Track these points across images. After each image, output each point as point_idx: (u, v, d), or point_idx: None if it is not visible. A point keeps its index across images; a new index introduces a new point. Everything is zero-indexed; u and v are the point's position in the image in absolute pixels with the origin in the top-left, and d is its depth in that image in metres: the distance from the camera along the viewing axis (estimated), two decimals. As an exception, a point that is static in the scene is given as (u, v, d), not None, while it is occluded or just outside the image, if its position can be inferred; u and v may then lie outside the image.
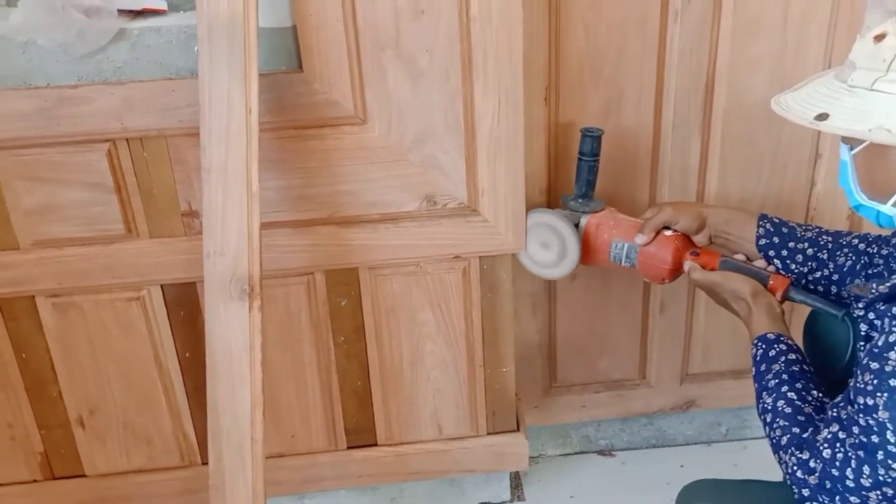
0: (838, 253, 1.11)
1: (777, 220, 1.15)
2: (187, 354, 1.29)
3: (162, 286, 1.24)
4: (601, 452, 1.63)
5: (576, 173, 1.25)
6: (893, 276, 0.94)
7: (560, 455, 1.63)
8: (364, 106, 1.14)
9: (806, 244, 1.12)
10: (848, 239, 1.12)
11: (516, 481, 1.56)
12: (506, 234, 1.24)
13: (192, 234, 1.19)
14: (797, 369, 1.00)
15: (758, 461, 1.59)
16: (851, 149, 0.89)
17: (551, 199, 1.36)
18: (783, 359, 1.01)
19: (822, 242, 1.12)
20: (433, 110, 1.15)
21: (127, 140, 1.13)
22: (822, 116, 0.85)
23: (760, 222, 1.15)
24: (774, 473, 1.54)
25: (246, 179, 1.06)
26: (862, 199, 0.91)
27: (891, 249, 1.05)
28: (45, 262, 1.19)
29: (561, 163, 1.34)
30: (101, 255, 1.19)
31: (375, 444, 1.41)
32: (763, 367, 1.02)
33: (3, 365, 1.26)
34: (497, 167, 1.20)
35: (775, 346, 1.02)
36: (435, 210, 1.22)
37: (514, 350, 1.37)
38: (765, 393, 1.00)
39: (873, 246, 1.10)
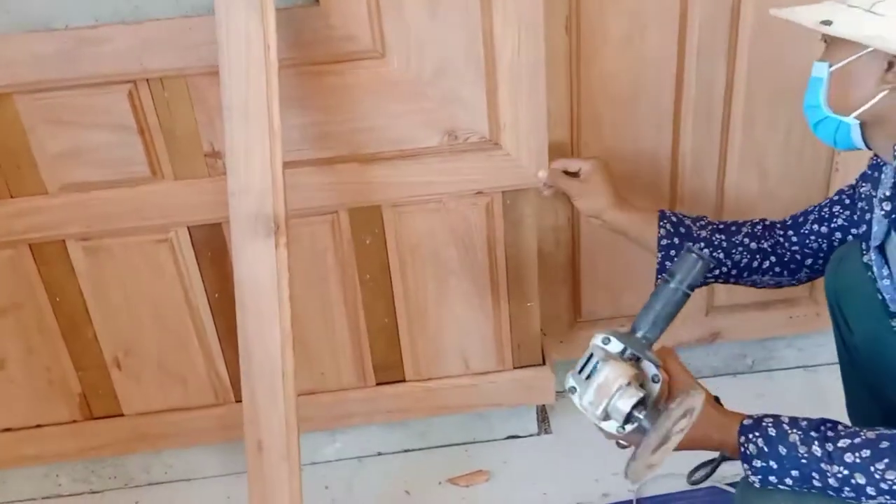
0: (733, 251, 1.16)
1: (675, 219, 1.18)
2: (216, 295, 1.32)
3: (189, 228, 1.25)
4: (627, 386, 1.65)
5: (659, 302, 0.94)
6: None
7: (586, 389, 1.64)
8: (382, 39, 1.13)
9: (702, 245, 1.16)
10: (739, 238, 1.16)
11: (543, 415, 1.58)
12: (528, 167, 1.23)
13: (216, 175, 1.20)
14: (805, 422, 0.90)
15: (783, 392, 1.60)
16: (831, 65, 0.93)
17: (573, 132, 1.35)
18: (785, 426, 0.90)
19: (715, 242, 1.16)
20: (452, 42, 1.13)
21: (147, 81, 1.13)
22: (827, 22, 0.90)
23: (661, 223, 1.17)
24: (801, 404, 1.55)
25: (267, 116, 1.06)
26: (828, 111, 0.95)
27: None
28: (73, 205, 1.20)
29: (584, 94, 1.32)
30: (128, 198, 1.21)
31: (404, 380, 1.43)
32: (786, 452, 0.89)
33: (39, 309, 1.30)
34: (518, 100, 1.18)
35: (763, 424, 0.91)
36: (456, 145, 1.21)
37: (538, 285, 1.38)
38: (827, 470, 0.86)
39: (762, 242, 1.16)
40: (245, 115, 1.07)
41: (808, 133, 1.37)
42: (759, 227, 1.18)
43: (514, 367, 1.44)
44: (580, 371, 0.92)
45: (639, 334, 0.94)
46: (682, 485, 1.41)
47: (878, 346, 1.09)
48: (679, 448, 0.89)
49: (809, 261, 1.18)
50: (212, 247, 1.27)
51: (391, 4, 1.10)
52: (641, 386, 0.89)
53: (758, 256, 1.16)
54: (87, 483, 1.51)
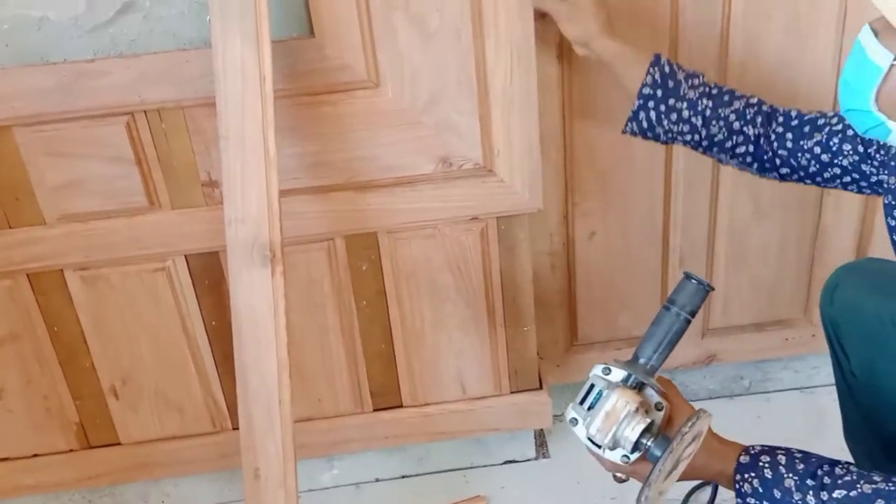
0: (713, 122, 1.07)
1: (667, 70, 1.08)
2: (213, 323, 1.32)
3: (186, 256, 1.26)
4: (624, 409, 1.65)
5: (661, 329, 0.94)
6: None
7: (584, 413, 1.64)
8: (376, 69, 1.14)
9: (684, 104, 1.08)
10: (726, 112, 1.07)
11: (541, 439, 1.58)
12: (522, 192, 1.25)
13: (213, 205, 1.21)
14: (803, 465, 0.88)
15: (781, 414, 1.61)
16: None
17: (566, 158, 1.36)
18: (782, 468, 0.88)
19: (700, 107, 1.08)
20: (446, 70, 1.15)
21: (145, 112, 1.14)
22: None
23: (651, 69, 1.08)
24: (799, 426, 1.56)
25: (263, 146, 1.08)
26: (872, 107, 0.81)
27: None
28: (72, 236, 1.21)
29: (576, 118, 1.34)
30: (126, 228, 1.22)
31: (401, 406, 1.43)
32: (780, 496, 0.87)
33: (36, 338, 1.30)
34: (511, 126, 1.20)
35: (760, 464, 0.90)
36: (451, 172, 1.23)
37: (534, 309, 1.38)
38: None
39: (748, 126, 1.06)
40: (241, 145, 1.09)
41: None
42: (754, 110, 1.07)
43: (511, 392, 1.44)
44: (581, 402, 0.92)
45: (642, 361, 0.94)
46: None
47: (875, 374, 1.09)
48: (681, 477, 0.89)
49: (787, 170, 1.09)
50: (209, 275, 1.28)
51: (385, 35, 1.12)
52: (646, 413, 0.89)
53: (737, 139, 1.07)
54: (84, 513, 1.51)
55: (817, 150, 1.05)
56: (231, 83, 1.07)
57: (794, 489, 0.87)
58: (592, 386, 0.91)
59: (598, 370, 0.92)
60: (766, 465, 0.90)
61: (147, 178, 1.19)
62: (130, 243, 1.23)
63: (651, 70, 1.08)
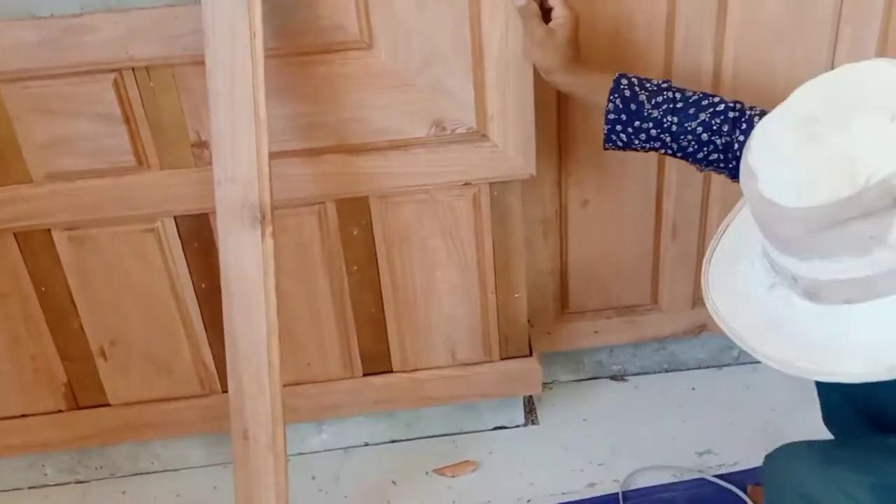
0: (681, 137, 1.09)
1: (628, 94, 1.10)
2: (203, 285, 1.31)
3: (175, 218, 1.25)
4: (614, 377, 1.66)
5: None
6: None
7: (573, 381, 1.65)
8: (370, 29, 1.12)
9: (651, 125, 1.09)
10: (693, 126, 1.08)
11: (530, 406, 1.59)
12: (515, 158, 1.24)
13: (203, 165, 1.20)
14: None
15: (769, 384, 1.61)
16: None
17: (560, 124, 1.35)
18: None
19: (665, 124, 1.09)
20: (440, 32, 1.13)
21: (133, 69, 1.12)
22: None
23: (611, 96, 1.10)
24: (786, 396, 1.57)
25: (253, 106, 1.06)
26: None
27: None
28: (59, 194, 1.20)
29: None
30: (114, 187, 1.20)
31: (391, 371, 1.44)
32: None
33: (24, 299, 1.29)
34: (506, 91, 1.18)
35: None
36: (444, 136, 1.21)
37: (525, 277, 1.38)
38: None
39: (716, 137, 1.07)
40: (231, 104, 1.07)
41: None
42: (720, 119, 1.07)
43: (502, 359, 1.44)
44: None
45: None
46: (667, 477, 1.43)
47: None
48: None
49: None
50: (198, 237, 1.27)
51: (379, -6, 1.10)
52: None
53: (707, 149, 1.08)
54: (73, 473, 1.51)
55: None
56: (221, 40, 1.05)
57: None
58: None
59: None
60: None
61: (135, 138, 1.17)
62: (118, 203, 1.21)
63: (612, 97, 1.11)
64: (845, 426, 1.17)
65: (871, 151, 0.74)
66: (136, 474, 1.52)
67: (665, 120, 1.09)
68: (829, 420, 1.22)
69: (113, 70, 1.12)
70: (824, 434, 1.19)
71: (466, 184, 1.26)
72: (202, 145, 1.19)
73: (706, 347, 1.65)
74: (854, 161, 0.74)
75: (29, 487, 1.51)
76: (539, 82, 1.22)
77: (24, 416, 1.40)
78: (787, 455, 0.98)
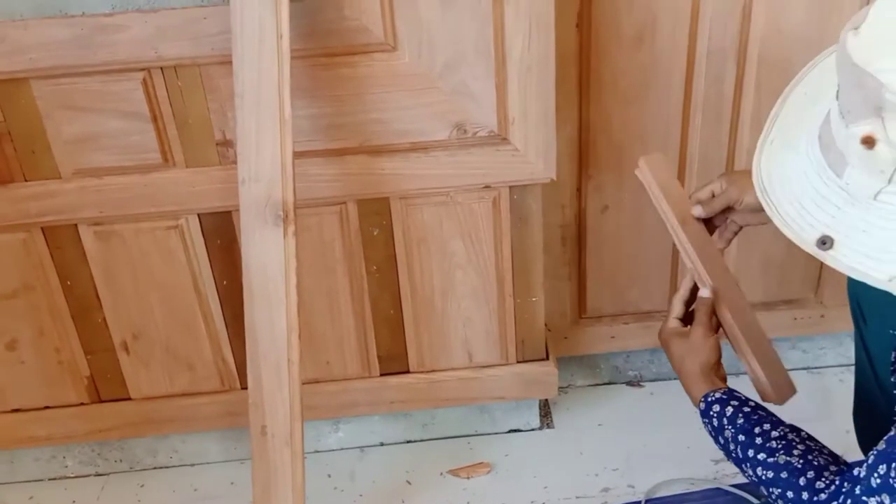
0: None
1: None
2: (225, 283, 1.33)
3: (199, 215, 1.27)
4: (630, 383, 1.66)
5: None
6: None
7: (589, 385, 1.65)
8: (394, 32, 1.14)
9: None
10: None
11: (545, 409, 1.59)
12: (536, 162, 1.24)
13: (227, 164, 1.21)
14: (748, 410, 0.98)
15: (787, 393, 1.60)
16: None
17: (581, 129, 1.36)
18: (725, 420, 0.99)
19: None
20: (464, 36, 1.14)
21: (161, 69, 1.14)
22: (826, 241, 0.76)
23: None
24: (805, 405, 1.55)
25: (279, 105, 1.08)
26: None
27: None
28: (86, 190, 1.22)
29: (593, 91, 1.33)
30: (140, 184, 1.22)
31: (408, 371, 1.45)
32: (723, 443, 0.99)
33: (50, 292, 1.31)
34: (528, 94, 1.19)
35: (712, 411, 1.01)
36: (465, 139, 1.22)
37: (543, 281, 1.39)
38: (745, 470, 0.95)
39: None
40: (257, 104, 1.09)
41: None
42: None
43: (518, 362, 1.45)
44: None
45: None
46: (685, 487, 1.43)
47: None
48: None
49: None
50: (221, 234, 1.29)
51: (404, -2, 1.11)
52: None
53: None
54: (93, 465, 1.53)
55: None
56: (248, 41, 1.06)
57: (730, 439, 0.99)
58: None
59: None
60: (715, 415, 1.01)
61: (162, 135, 1.19)
62: (144, 200, 1.23)
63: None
64: (875, 414, 1.15)
65: None
66: (155, 468, 1.54)
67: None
68: (858, 415, 1.21)
69: (142, 69, 1.14)
70: (839, 443, 1.18)
71: (486, 187, 1.27)
72: (227, 144, 1.21)
73: (725, 355, 1.63)
74: None
75: (49, 479, 1.53)
76: (560, 88, 1.23)
77: (47, 407, 1.42)
78: None
